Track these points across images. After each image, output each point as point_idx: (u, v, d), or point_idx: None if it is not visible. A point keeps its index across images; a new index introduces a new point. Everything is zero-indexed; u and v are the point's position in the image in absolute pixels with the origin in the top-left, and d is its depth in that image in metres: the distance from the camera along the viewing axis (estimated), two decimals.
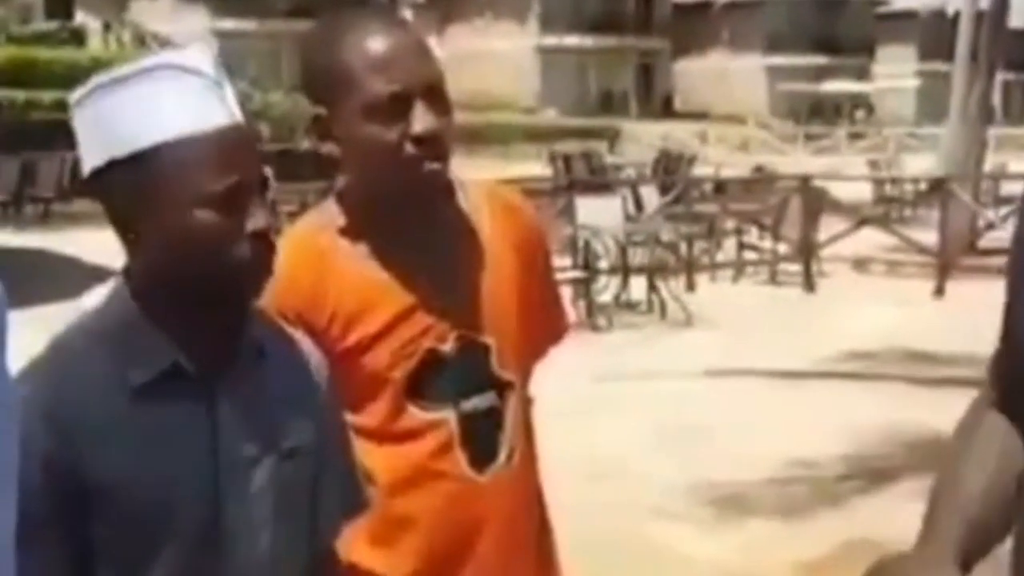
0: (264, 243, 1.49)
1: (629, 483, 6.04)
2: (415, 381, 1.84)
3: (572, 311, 10.53)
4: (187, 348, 1.48)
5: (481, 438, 1.87)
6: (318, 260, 1.84)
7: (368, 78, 1.78)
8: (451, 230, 1.90)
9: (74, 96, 1.50)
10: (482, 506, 1.87)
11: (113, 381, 1.46)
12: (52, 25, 31.84)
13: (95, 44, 30.85)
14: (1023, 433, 1.35)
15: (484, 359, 1.88)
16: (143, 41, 31.03)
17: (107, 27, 32.99)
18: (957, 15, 19.19)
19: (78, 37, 30.83)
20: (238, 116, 1.49)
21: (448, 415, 1.85)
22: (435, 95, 1.81)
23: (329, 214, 1.89)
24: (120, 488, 1.43)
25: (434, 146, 1.80)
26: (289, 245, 1.87)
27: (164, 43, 30.12)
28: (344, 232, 1.86)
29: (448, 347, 1.85)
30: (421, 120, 1.78)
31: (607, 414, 7.37)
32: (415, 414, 1.84)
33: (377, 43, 1.79)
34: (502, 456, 1.89)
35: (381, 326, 1.82)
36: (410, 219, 1.85)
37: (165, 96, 1.46)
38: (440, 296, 1.85)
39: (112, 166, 1.46)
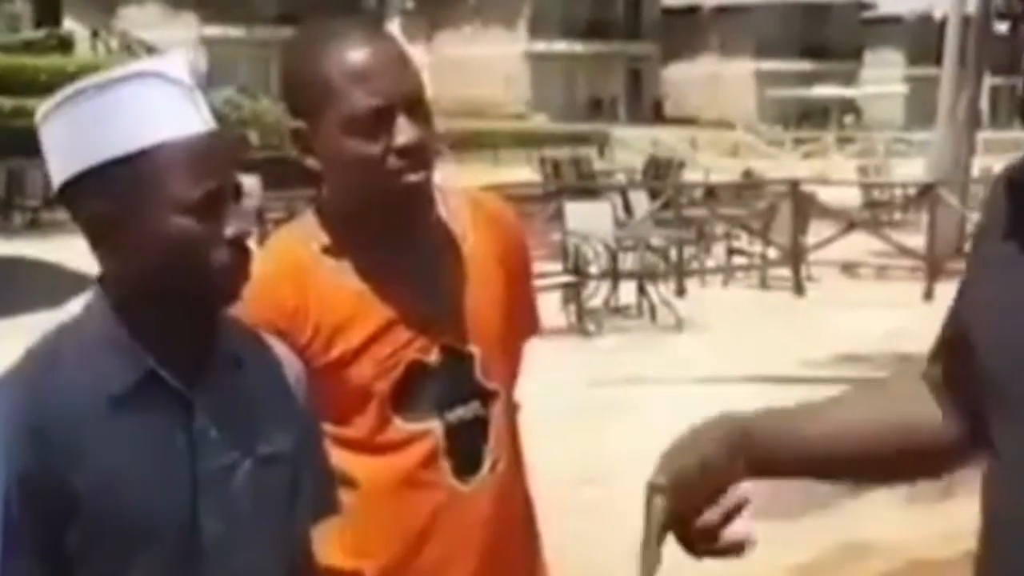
0: (241, 249, 1.49)
1: (619, 487, 6.04)
2: (399, 393, 1.83)
3: (562, 316, 10.55)
4: (163, 356, 1.48)
5: (466, 448, 1.87)
6: (299, 274, 1.83)
7: (349, 92, 1.77)
8: (432, 240, 1.89)
9: (46, 105, 1.49)
10: (466, 516, 1.86)
11: (90, 390, 1.45)
12: (40, 33, 31.76)
13: (83, 51, 30.79)
14: (952, 402, 1.37)
15: (468, 369, 1.87)
16: (131, 48, 30.96)
17: (95, 34, 32.92)
18: (944, 19, 19.26)
19: (66, 44, 30.75)
20: (212, 123, 1.49)
21: (433, 425, 1.85)
22: (416, 106, 1.80)
23: (309, 227, 1.88)
24: (98, 497, 1.43)
25: (417, 157, 1.79)
26: (269, 259, 1.87)
27: (152, 50, 30.06)
28: (324, 245, 1.85)
29: (432, 358, 1.84)
30: (404, 132, 1.78)
31: (597, 419, 7.37)
32: (400, 426, 1.84)
33: (357, 56, 1.78)
34: (486, 466, 1.89)
35: (364, 339, 1.81)
36: (392, 230, 1.85)
37: (141, 103, 1.46)
38: (423, 307, 1.84)
39: (88, 174, 1.45)
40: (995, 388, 1.27)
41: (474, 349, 1.88)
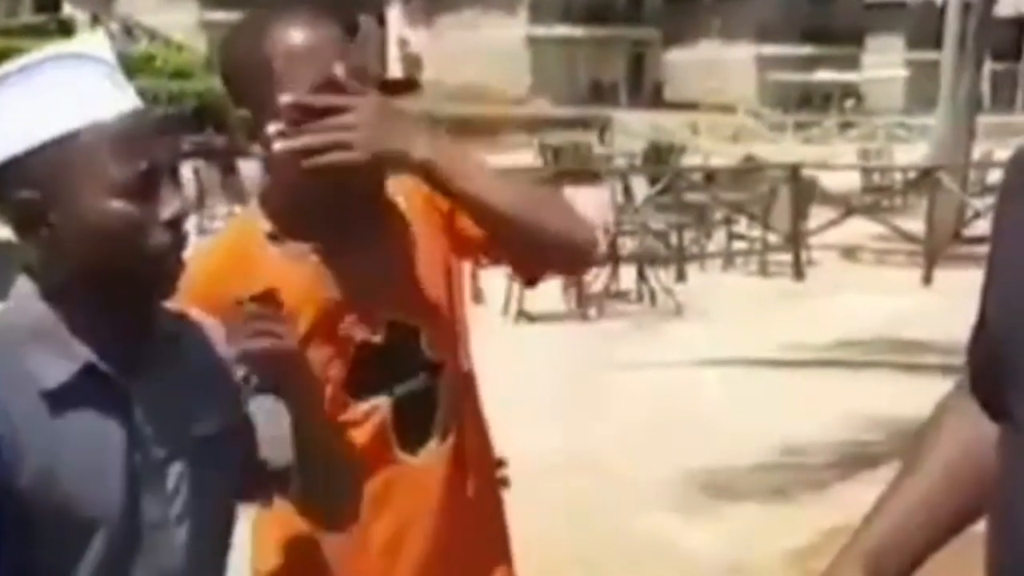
0: (178, 231, 1.47)
1: (618, 472, 6.06)
2: (352, 375, 1.84)
3: (562, 301, 10.55)
4: (100, 346, 1.45)
5: (413, 421, 1.89)
6: (246, 264, 1.82)
7: (286, 74, 1.75)
8: (373, 217, 1.89)
9: None
10: (417, 488, 1.88)
11: (24, 387, 1.42)
12: (40, 17, 31.70)
13: (83, 36, 30.69)
14: (993, 415, 1.37)
15: (415, 342, 1.89)
16: (131, 33, 30.90)
17: (95, 19, 32.85)
18: (945, 4, 19.21)
19: (66, 29, 30.68)
20: (138, 102, 1.47)
21: (383, 401, 1.87)
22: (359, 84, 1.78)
23: (254, 215, 1.88)
24: (40, 494, 1.40)
25: None
26: (216, 251, 1.89)
27: (154, 35, 30.01)
28: (269, 232, 1.85)
29: (379, 336, 1.85)
30: None
31: (597, 404, 7.39)
32: (353, 406, 1.85)
33: (292, 39, 1.77)
34: (435, 437, 1.90)
35: (313, 323, 1.82)
36: (334, 212, 1.84)
37: (66, 86, 1.43)
38: (368, 285, 1.85)
39: (16, 160, 1.42)
40: (1011, 360, 1.27)
41: (419, 322, 1.89)
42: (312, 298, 1.82)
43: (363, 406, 1.86)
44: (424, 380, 1.90)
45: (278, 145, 1.73)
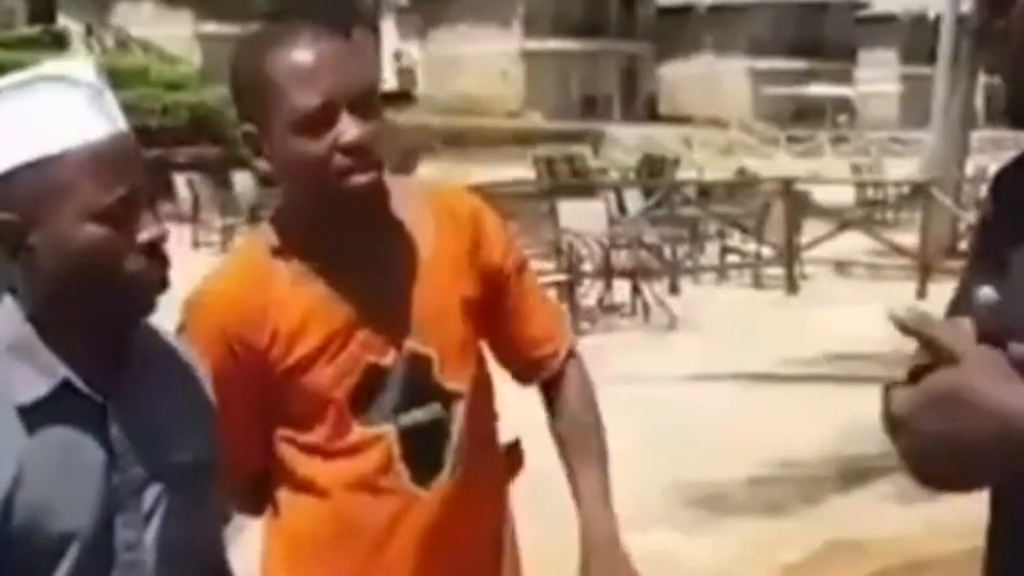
0: (157, 255, 1.46)
1: (613, 486, 6.04)
2: (357, 397, 1.82)
3: None
4: (79, 366, 1.45)
5: (424, 452, 1.85)
6: (258, 280, 1.83)
7: (292, 91, 1.75)
8: (388, 240, 1.87)
9: None
10: (426, 521, 1.85)
11: (4, 402, 1.42)
12: (34, 30, 31.70)
13: (77, 48, 30.70)
14: None
15: (427, 371, 1.85)
16: (125, 45, 30.91)
17: (89, 31, 32.85)
18: (938, 19, 19.28)
19: (60, 41, 30.68)
20: (122, 125, 1.46)
21: (387, 429, 1.83)
22: (362, 103, 1.77)
23: (265, 234, 1.88)
24: (16, 509, 1.40)
25: (364, 155, 1.76)
26: (229, 267, 1.91)
27: (147, 48, 30.02)
28: (279, 251, 1.84)
29: (389, 361, 1.83)
30: (349, 130, 1.75)
31: None
32: (358, 430, 1.83)
33: (299, 56, 1.76)
34: (447, 469, 1.86)
35: (319, 344, 1.81)
36: (345, 231, 1.83)
37: (47, 109, 1.42)
38: (379, 309, 1.83)
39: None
40: None
41: (431, 351, 1.86)
42: (319, 318, 1.81)
43: (368, 432, 1.83)
44: (435, 411, 1.86)
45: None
